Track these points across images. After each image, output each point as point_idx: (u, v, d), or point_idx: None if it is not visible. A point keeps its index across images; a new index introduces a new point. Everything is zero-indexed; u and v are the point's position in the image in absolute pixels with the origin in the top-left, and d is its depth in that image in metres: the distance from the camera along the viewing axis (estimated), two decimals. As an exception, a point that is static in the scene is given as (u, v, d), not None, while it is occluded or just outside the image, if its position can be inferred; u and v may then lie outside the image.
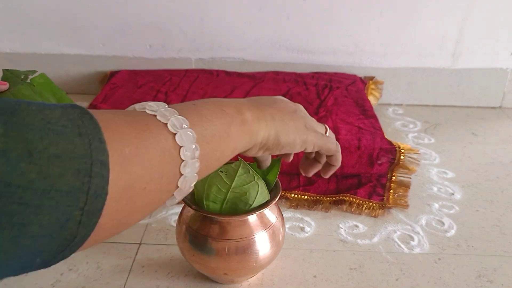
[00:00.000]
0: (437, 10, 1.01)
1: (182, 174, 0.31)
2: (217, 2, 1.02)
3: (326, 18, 1.03)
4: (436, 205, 0.72)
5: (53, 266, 0.61)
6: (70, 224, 0.24)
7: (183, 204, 0.56)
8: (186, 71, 1.06)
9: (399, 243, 0.63)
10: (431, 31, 1.03)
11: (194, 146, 0.32)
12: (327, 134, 0.47)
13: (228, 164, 0.43)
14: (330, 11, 1.02)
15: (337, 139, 0.76)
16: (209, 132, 0.34)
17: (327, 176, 0.50)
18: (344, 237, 0.64)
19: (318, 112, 0.87)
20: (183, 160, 0.31)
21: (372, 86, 1.04)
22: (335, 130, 0.80)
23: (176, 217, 0.58)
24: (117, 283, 0.55)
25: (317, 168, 0.51)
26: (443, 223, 0.67)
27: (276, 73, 1.06)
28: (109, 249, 0.61)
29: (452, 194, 0.75)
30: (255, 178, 0.45)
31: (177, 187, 0.32)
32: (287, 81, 1.02)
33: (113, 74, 1.03)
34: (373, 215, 0.69)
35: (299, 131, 0.41)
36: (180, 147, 0.31)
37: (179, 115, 0.32)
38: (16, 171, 0.21)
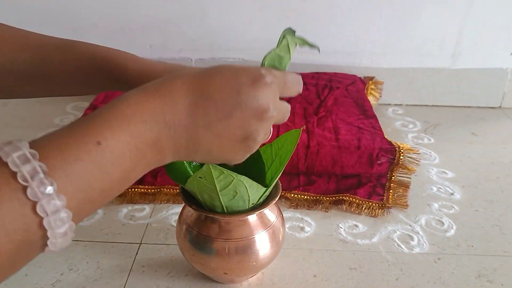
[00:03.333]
0: (437, 10, 1.01)
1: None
2: (217, 2, 1.02)
3: (326, 18, 1.03)
4: (436, 205, 0.72)
5: (53, 266, 0.61)
6: None
7: (183, 204, 0.56)
8: (186, 71, 1.06)
9: (399, 243, 0.63)
10: (431, 31, 1.03)
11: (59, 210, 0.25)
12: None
13: (200, 170, 0.42)
14: (330, 11, 1.02)
15: (337, 139, 0.76)
16: (96, 187, 0.28)
17: None
18: (344, 237, 0.64)
19: (318, 112, 0.87)
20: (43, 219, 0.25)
21: (372, 86, 1.04)
22: (335, 130, 0.80)
23: (176, 217, 0.58)
24: (117, 283, 0.55)
25: None
26: (442, 223, 0.67)
27: (276, 73, 1.06)
28: (109, 249, 0.61)
29: (452, 194, 0.75)
30: (235, 177, 0.44)
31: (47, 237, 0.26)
32: (287, 81, 1.02)
33: (113, 74, 1.03)
34: (372, 215, 0.69)
35: (232, 159, 0.36)
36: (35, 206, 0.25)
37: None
38: None
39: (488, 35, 1.03)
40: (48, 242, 0.26)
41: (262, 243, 0.50)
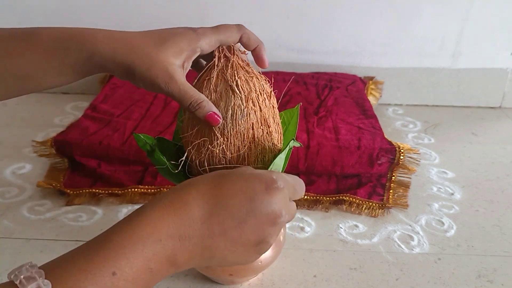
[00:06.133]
0: (437, 10, 1.01)
1: None
2: (217, 2, 1.02)
3: (326, 18, 1.03)
4: (436, 205, 0.72)
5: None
6: None
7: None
8: (186, 71, 1.06)
9: (399, 243, 0.63)
10: (431, 31, 1.03)
11: None
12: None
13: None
14: (330, 11, 1.02)
15: (337, 139, 0.76)
16: None
17: None
18: (344, 237, 0.64)
19: (318, 112, 0.87)
20: None
21: (372, 86, 1.04)
22: (335, 130, 0.80)
23: (176, 217, 0.58)
24: (117, 283, 0.55)
25: None
26: (443, 223, 0.67)
27: (276, 73, 1.06)
28: (109, 249, 0.61)
29: (452, 194, 0.75)
30: None
31: None
32: (287, 81, 1.02)
33: (113, 74, 1.04)
34: (373, 215, 0.69)
35: (246, 261, 0.36)
36: None
37: None
38: None
39: (488, 35, 1.03)
40: None
41: (262, 243, 0.50)
